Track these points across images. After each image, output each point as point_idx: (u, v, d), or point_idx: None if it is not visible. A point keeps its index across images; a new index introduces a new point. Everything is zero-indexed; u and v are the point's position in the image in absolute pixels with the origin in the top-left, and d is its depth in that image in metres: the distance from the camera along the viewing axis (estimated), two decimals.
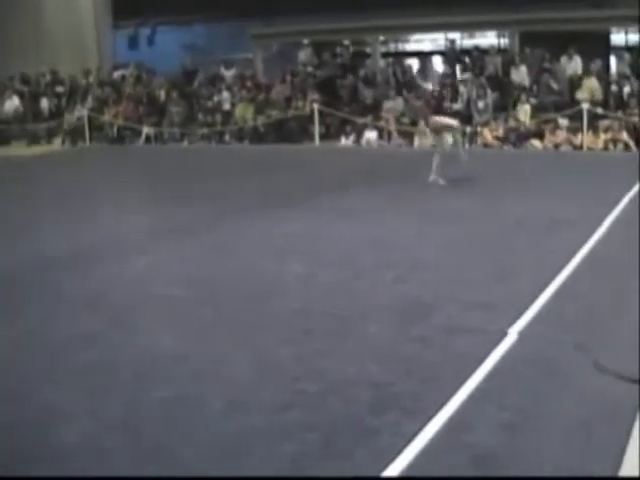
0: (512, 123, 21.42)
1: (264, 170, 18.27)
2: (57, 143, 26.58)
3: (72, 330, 6.86)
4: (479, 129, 21.14)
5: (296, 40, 30.40)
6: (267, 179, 16.49)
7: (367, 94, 24.62)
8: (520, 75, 22.92)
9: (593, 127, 20.18)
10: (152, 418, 5.06)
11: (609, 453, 4.40)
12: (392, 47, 32.95)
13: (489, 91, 22.38)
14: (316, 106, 23.30)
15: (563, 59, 22.88)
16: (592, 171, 16.24)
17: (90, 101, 27.71)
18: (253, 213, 12.14)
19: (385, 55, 31.26)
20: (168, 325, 6.92)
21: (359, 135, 23.02)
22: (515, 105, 21.97)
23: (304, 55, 28.66)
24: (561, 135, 20.33)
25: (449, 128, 15.22)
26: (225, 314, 7.23)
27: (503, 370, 5.62)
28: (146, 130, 25.71)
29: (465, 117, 21.31)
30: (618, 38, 27.70)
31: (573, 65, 22.63)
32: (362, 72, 26.21)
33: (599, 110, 20.42)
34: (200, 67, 28.82)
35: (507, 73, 23.43)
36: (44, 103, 28.28)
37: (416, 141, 22.07)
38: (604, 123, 20.31)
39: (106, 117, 26.90)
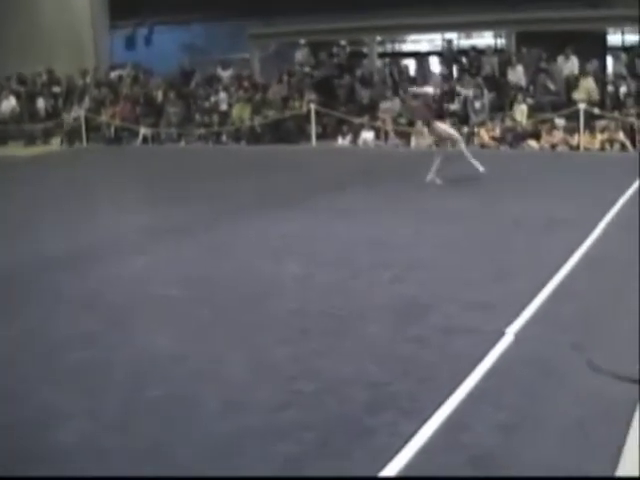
0: (509, 123, 21.44)
1: (261, 170, 18.27)
2: (54, 143, 26.56)
3: (70, 330, 6.86)
4: (476, 129, 21.14)
5: (293, 40, 30.41)
6: (264, 179, 16.49)
7: (364, 94, 24.61)
8: (517, 75, 22.93)
9: (590, 127, 20.19)
10: (149, 418, 5.06)
11: (606, 453, 4.40)
12: (389, 47, 32.98)
13: (486, 91, 22.39)
14: (313, 106, 23.30)
15: (560, 59, 22.89)
16: (589, 171, 16.25)
17: (87, 101, 27.70)
18: (250, 213, 12.14)
19: (382, 55, 31.28)
20: (165, 325, 6.92)
21: (356, 135, 23.02)
22: (512, 105, 21.98)
23: (301, 55, 28.66)
24: (558, 135, 20.34)
25: (450, 139, 15.16)
26: (222, 314, 7.23)
27: (500, 370, 5.63)
28: (143, 131, 25.70)
29: (462, 117, 21.37)
30: (615, 38, 27.74)
31: (570, 65, 22.64)
32: (359, 72, 26.21)
33: (596, 110, 20.43)
34: (197, 67, 28.82)
35: (504, 73, 23.44)
36: (41, 103, 28.25)
37: (413, 141, 22.11)
38: (601, 123, 20.33)
39: (103, 118, 26.89)
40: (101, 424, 4.98)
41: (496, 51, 26.51)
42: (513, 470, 4.28)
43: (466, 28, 28.88)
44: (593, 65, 22.54)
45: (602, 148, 19.70)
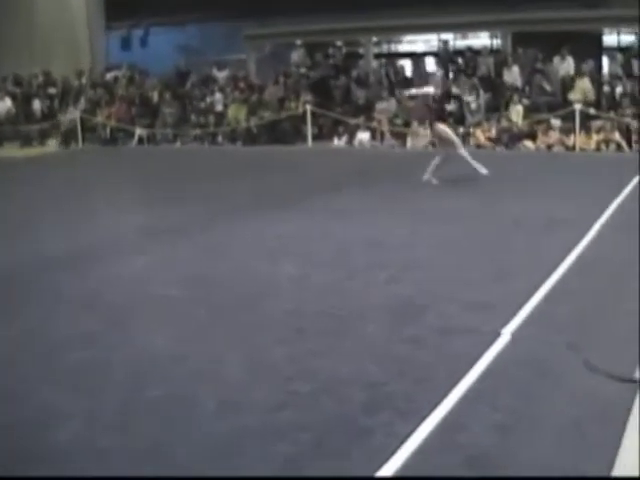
0: (504, 124, 21.45)
1: (257, 171, 18.26)
2: (50, 145, 26.54)
3: (70, 330, 6.86)
4: (471, 130, 21.15)
5: (289, 41, 30.41)
6: (260, 180, 16.48)
7: (360, 95, 24.63)
8: (512, 76, 22.94)
9: (585, 128, 20.21)
10: (147, 418, 5.05)
11: (602, 453, 4.40)
12: (385, 48, 33.01)
13: (481, 92, 22.40)
14: (309, 107, 23.30)
15: (556, 60, 22.91)
16: (585, 172, 16.26)
17: (83, 102, 27.68)
18: (246, 214, 12.13)
19: (378, 56, 31.30)
20: (164, 325, 6.92)
21: (352, 136, 23.02)
22: (507, 106, 21.99)
23: (297, 56, 28.67)
24: (554, 136, 20.35)
25: (451, 144, 14.98)
26: (220, 314, 7.23)
27: (497, 371, 5.63)
28: (139, 131, 25.70)
29: (458, 118, 21.36)
30: (610, 39, 27.78)
31: (565, 66, 22.66)
32: (355, 73, 26.23)
33: (591, 111, 20.45)
34: (193, 68, 28.81)
35: (500, 74, 23.46)
36: (36, 104, 28.24)
37: (409, 142, 22.11)
38: (596, 124, 20.34)
39: (99, 118, 26.88)
40: (100, 424, 4.98)
41: (492, 51, 26.54)
42: (509, 471, 4.27)
43: (462, 29, 28.91)
44: (589, 65, 22.56)
45: (598, 148, 19.71)
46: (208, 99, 26.27)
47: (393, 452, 4.42)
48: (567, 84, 22.05)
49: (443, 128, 15.14)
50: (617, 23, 26.11)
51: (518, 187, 14.18)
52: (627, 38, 26.98)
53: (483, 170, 14.39)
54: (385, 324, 6.77)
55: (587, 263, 8.60)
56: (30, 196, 15.55)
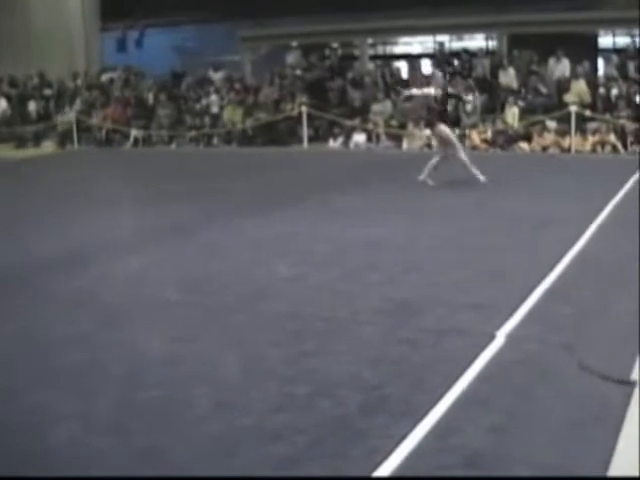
0: (500, 126, 21.45)
1: (253, 172, 18.23)
2: (46, 146, 26.51)
3: (65, 330, 6.84)
4: (467, 131, 21.14)
5: (284, 43, 30.41)
6: (256, 181, 16.46)
7: (355, 97, 24.61)
8: (508, 77, 22.95)
9: (581, 129, 20.22)
10: (143, 419, 5.04)
11: (598, 453, 4.39)
12: (380, 50, 33.02)
13: (477, 93, 22.40)
14: (304, 109, 23.29)
15: (551, 61, 22.93)
16: (581, 173, 16.28)
17: (78, 104, 27.65)
18: (243, 215, 12.11)
19: (373, 58, 31.30)
20: (159, 326, 6.91)
21: (347, 137, 23.01)
22: (503, 108, 22.00)
23: (292, 57, 28.66)
24: (549, 138, 20.36)
25: (451, 146, 14.88)
26: (215, 315, 7.22)
27: (492, 372, 5.62)
28: (134, 133, 25.66)
29: (453, 119, 21.37)
30: (606, 40, 27.82)
31: (561, 67, 22.67)
32: (350, 75, 26.20)
33: (587, 112, 20.46)
34: (189, 70, 28.80)
35: (495, 75, 23.46)
36: (32, 106, 28.21)
37: (404, 143, 22.11)
38: (592, 125, 20.36)
39: (94, 120, 26.85)
40: (95, 424, 4.97)
41: (488, 53, 26.56)
42: (504, 471, 4.26)
43: (458, 30, 28.94)
44: (584, 67, 22.58)
45: (593, 150, 19.72)
46: (204, 101, 26.24)
47: (389, 454, 4.41)
48: (563, 86, 22.06)
49: (444, 129, 15.07)
50: (612, 25, 26.16)
51: (514, 188, 14.18)
52: (622, 40, 27.02)
53: (480, 177, 14.26)
54: (381, 326, 6.76)
55: (582, 264, 8.60)
56: (25, 197, 15.51)
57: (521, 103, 21.93)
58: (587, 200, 12.39)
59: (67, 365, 6.01)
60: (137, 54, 32.95)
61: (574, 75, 22.17)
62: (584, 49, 24.76)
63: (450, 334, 6.47)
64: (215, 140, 25.04)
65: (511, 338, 6.27)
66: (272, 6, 28.31)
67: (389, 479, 4.24)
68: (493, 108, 22.48)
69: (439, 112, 15.76)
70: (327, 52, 29.91)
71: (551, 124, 20.61)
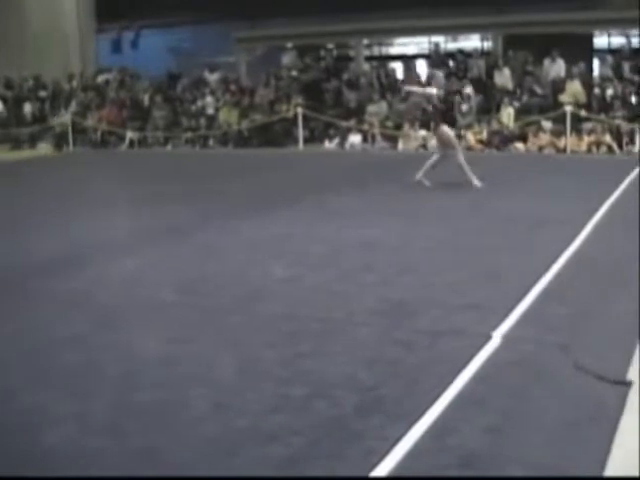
0: (495, 126, 21.47)
1: (248, 173, 18.24)
2: (41, 148, 26.50)
3: (60, 332, 6.83)
4: (462, 132, 21.15)
5: (280, 44, 30.43)
6: (251, 182, 16.47)
7: (351, 98, 24.64)
8: (503, 78, 22.98)
9: (576, 130, 20.26)
10: (139, 420, 5.03)
11: (593, 454, 4.40)
12: (376, 51, 33.06)
13: (473, 94, 22.42)
14: (300, 110, 23.30)
15: (546, 62, 22.97)
16: (577, 173, 16.30)
17: (74, 106, 27.64)
18: (238, 216, 12.11)
19: (369, 59, 31.33)
20: (155, 327, 6.90)
21: (343, 139, 23.04)
22: (499, 108, 22.03)
23: (288, 59, 28.71)
24: (545, 138, 20.39)
25: (451, 147, 14.82)
26: (211, 316, 7.20)
27: (488, 373, 5.61)
28: (130, 134, 25.67)
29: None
30: (601, 41, 27.89)
31: (556, 68, 22.71)
32: (346, 76, 26.23)
33: (582, 113, 20.50)
34: (184, 71, 28.80)
35: (490, 76, 23.49)
36: (27, 108, 28.20)
37: (400, 144, 22.13)
38: (587, 126, 20.41)
39: (90, 122, 26.84)
40: (91, 426, 4.96)
41: (483, 54, 26.60)
42: (500, 471, 4.26)
43: (453, 31, 28.98)
44: (580, 68, 22.62)
45: (589, 150, 19.77)
46: (199, 102, 26.26)
47: (384, 455, 4.40)
48: (558, 86, 22.10)
49: (447, 131, 14.98)
50: (608, 25, 26.20)
51: (509, 189, 14.20)
52: (617, 40, 27.07)
53: (476, 182, 14.21)
54: (377, 327, 6.76)
55: (578, 264, 8.60)
56: (21, 198, 15.50)
57: (516, 103, 21.98)
58: (582, 200, 12.40)
59: (63, 366, 6.00)
60: (132, 55, 32.96)
61: (569, 75, 22.22)
62: (579, 50, 24.81)
63: (446, 335, 6.47)
64: (211, 141, 25.07)
65: (507, 339, 6.27)
66: (267, 7, 28.33)
67: (388, 479, 4.24)
68: (488, 109, 22.52)
69: (442, 112, 15.67)
70: (322, 53, 29.97)
71: (546, 124, 20.65)
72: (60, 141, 26.37)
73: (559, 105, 20.85)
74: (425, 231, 10.72)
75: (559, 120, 20.39)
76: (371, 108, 23.59)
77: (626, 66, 22.31)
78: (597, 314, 6.98)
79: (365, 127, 22.98)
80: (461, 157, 14.54)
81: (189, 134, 25.23)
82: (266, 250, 9.88)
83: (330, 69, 27.23)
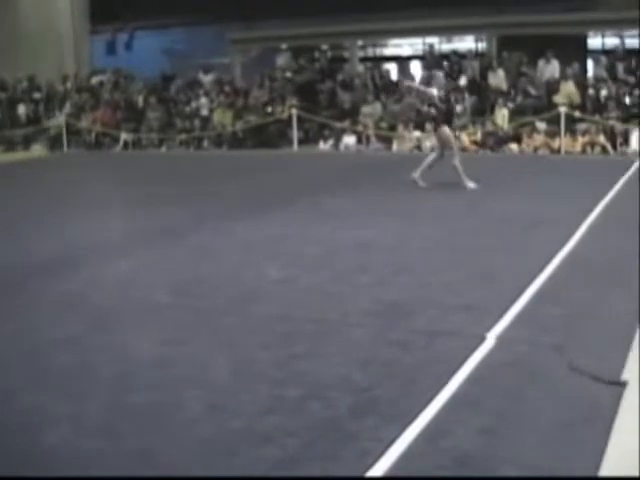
0: (490, 127, 21.48)
1: (243, 175, 18.24)
2: (35, 149, 26.46)
3: (55, 333, 6.82)
4: (457, 133, 21.14)
5: (274, 45, 30.42)
6: (246, 184, 16.47)
7: (345, 99, 24.64)
8: (498, 79, 22.99)
9: (571, 131, 20.29)
10: (133, 422, 5.02)
11: (588, 454, 4.39)
12: (370, 52, 33.06)
13: (467, 95, 22.43)
14: (294, 111, 23.30)
15: (541, 63, 22.99)
16: (571, 174, 16.32)
17: (68, 107, 27.61)
18: (233, 217, 12.10)
19: (363, 60, 31.34)
20: (149, 328, 6.89)
21: (337, 140, 23.04)
22: (493, 109, 22.04)
23: (282, 60, 28.67)
24: (539, 139, 20.41)
25: (449, 149, 14.78)
26: (205, 318, 7.19)
27: (482, 374, 5.61)
28: (124, 136, 25.64)
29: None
30: (595, 42, 27.92)
31: (550, 69, 22.74)
32: (340, 77, 26.24)
33: (577, 114, 20.52)
34: (178, 72, 28.78)
35: (485, 77, 23.50)
36: (21, 109, 28.16)
37: (394, 145, 22.14)
38: (582, 126, 20.43)
39: (84, 123, 26.81)
40: (86, 427, 4.95)
41: (477, 55, 26.62)
42: (495, 472, 4.26)
43: (447, 32, 28.99)
44: (574, 69, 22.65)
45: (583, 151, 19.79)
46: (193, 103, 26.24)
47: (379, 456, 4.40)
48: (552, 87, 22.13)
49: (447, 132, 14.93)
50: (602, 26, 26.23)
51: (504, 190, 14.22)
52: (612, 41, 27.10)
53: (470, 184, 14.19)
54: (371, 328, 6.75)
55: (572, 265, 8.61)
56: (15, 200, 15.47)
57: (511, 104, 22.00)
58: (577, 201, 12.41)
59: (57, 367, 5.98)
60: (127, 57, 32.94)
61: (563, 76, 22.25)
62: (573, 50, 24.85)
63: (441, 336, 6.46)
64: (205, 143, 25.05)
65: (501, 339, 6.26)
66: (262, 8, 28.32)
67: (385, 479, 4.23)
68: (483, 110, 22.53)
69: (444, 112, 15.63)
70: (317, 54, 29.97)
71: (541, 125, 20.67)
72: (54, 143, 26.34)
73: (553, 106, 20.87)
74: (419, 232, 10.72)
75: (553, 121, 20.41)
76: (365, 109, 23.60)
77: (620, 67, 22.35)
78: (591, 315, 6.99)
79: (359, 128, 22.98)
80: (457, 161, 14.51)
81: (183, 135, 25.20)
82: (260, 251, 9.87)
83: (324, 70, 27.23)
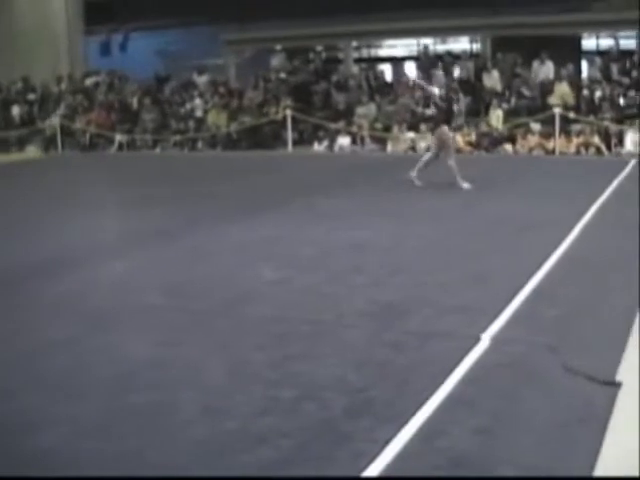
0: (484, 128, 21.50)
1: (237, 176, 18.23)
2: (30, 151, 26.43)
3: (49, 334, 6.80)
4: (452, 134, 21.14)
5: (269, 46, 30.42)
6: (241, 185, 16.46)
7: (340, 100, 24.65)
8: (492, 80, 23.02)
9: (565, 131, 20.31)
10: (129, 423, 5.00)
11: (583, 454, 4.39)
12: (365, 53, 33.04)
13: (461, 96, 22.43)
14: (289, 112, 23.30)
15: (535, 64, 23.02)
16: (565, 175, 16.35)
17: (62, 108, 27.58)
18: (228, 218, 12.10)
19: (358, 61, 31.33)
20: (143, 330, 6.88)
21: (332, 141, 23.04)
22: (487, 110, 22.06)
23: (277, 61, 28.69)
24: (533, 140, 20.44)
25: (446, 149, 14.76)
26: (200, 319, 7.18)
27: (477, 374, 5.61)
28: (118, 137, 25.64)
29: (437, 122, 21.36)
30: (589, 43, 27.93)
31: (545, 70, 22.77)
32: (335, 78, 26.24)
33: (571, 115, 20.55)
34: (173, 73, 28.77)
35: (479, 78, 23.51)
36: (15, 110, 28.13)
37: (389, 146, 22.14)
38: (576, 127, 20.47)
39: (78, 125, 26.78)
40: (83, 428, 4.93)
41: (472, 56, 26.62)
42: (491, 472, 4.26)
43: (442, 33, 28.99)
44: (568, 70, 22.67)
45: (577, 152, 19.82)
46: (188, 105, 26.24)
47: (374, 457, 4.39)
48: (546, 88, 22.16)
49: (447, 132, 14.90)
50: (596, 27, 26.26)
51: (499, 191, 14.23)
52: (606, 42, 27.12)
53: (465, 185, 14.17)
54: (366, 329, 6.75)
55: (567, 265, 8.61)
56: (9, 202, 15.45)
57: (505, 105, 22.03)
58: (571, 202, 12.43)
59: (53, 368, 5.97)
60: (121, 58, 32.91)
61: (558, 77, 22.28)
62: (568, 51, 24.88)
63: (435, 336, 6.46)
64: (199, 144, 25.05)
65: (496, 340, 6.26)
66: (256, 9, 28.30)
67: (381, 479, 4.23)
68: (477, 111, 22.55)
69: (445, 112, 15.62)
70: (311, 55, 29.95)
71: (535, 126, 20.70)
72: (49, 144, 26.32)
73: (548, 107, 20.90)
74: (415, 232, 10.72)
75: (548, 122, 20.44)
76: (360, 110, 23.61)
77: (614, 68, 22.38)
78: (586, 315, 6.99)
79: (354, 129, 22.99)
80: (452, 161, 14.51)
81: (178, 137, 25.20)
82: (255, 253, 9.86)
83: (319, 71, 27.23)
